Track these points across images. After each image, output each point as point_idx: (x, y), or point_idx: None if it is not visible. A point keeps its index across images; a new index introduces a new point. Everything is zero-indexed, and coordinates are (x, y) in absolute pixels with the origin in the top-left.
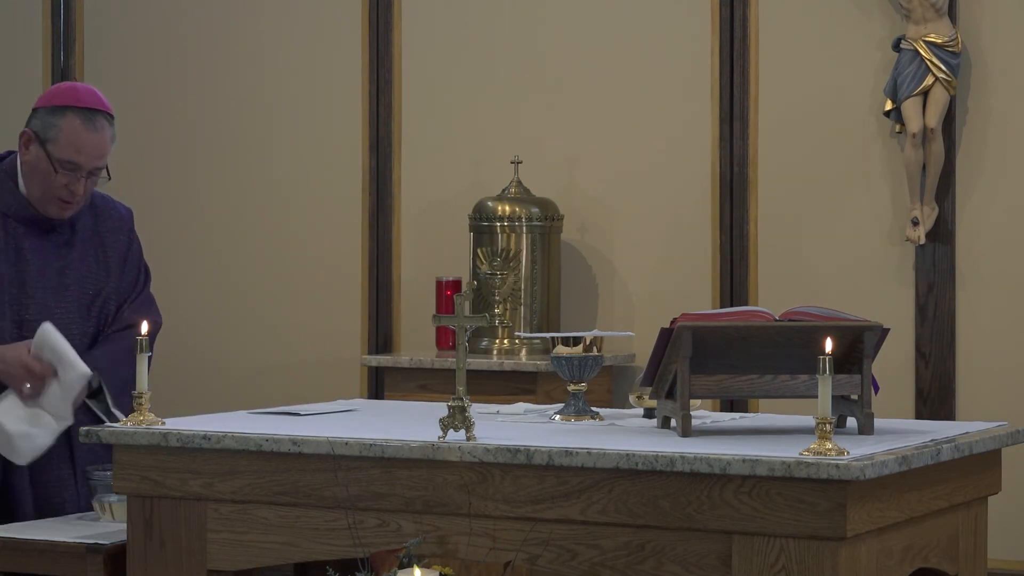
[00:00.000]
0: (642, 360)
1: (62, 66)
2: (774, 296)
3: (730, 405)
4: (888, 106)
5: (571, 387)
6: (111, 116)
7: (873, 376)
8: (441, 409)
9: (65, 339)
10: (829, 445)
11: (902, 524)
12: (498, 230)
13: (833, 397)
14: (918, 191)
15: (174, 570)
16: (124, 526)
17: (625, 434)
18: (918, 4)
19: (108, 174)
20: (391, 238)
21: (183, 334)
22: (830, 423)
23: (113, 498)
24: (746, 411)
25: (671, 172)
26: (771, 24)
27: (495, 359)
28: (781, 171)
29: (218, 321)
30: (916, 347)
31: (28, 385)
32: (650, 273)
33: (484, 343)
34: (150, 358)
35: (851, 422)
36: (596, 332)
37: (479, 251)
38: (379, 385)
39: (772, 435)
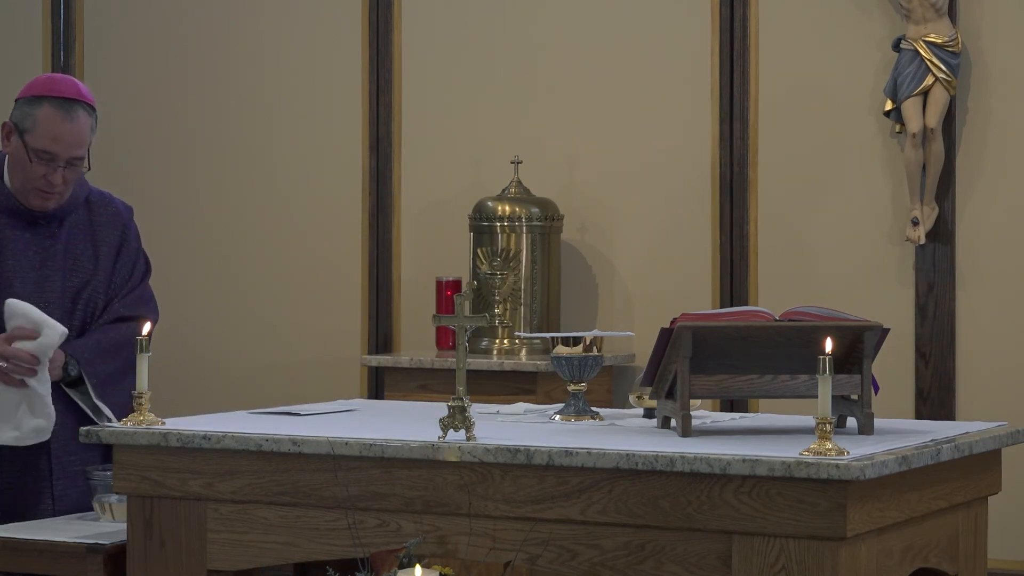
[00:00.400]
0: (642, 360)
1: (62, 66)
2: (774, 296)
3: (730, 405)
4: (888, 106)
5: (571, 387)
6: (91, 106)
7: (873, 376)
8: (441, 409)
9: (28, 305)
10: (829, 445)
11: (902, 524)
12: (498, 230)
13: (833, 397)
14: (918, 191)
15: (174, 570)
16: (124, 526)
17: (625, 434)
18: (918, 4)
19: (88, 164)
20: (391, 238)
21: (183, 334)
22: (830, 423)
23: (113, 498)
24: (746, 411)
25: (671, 172)
26: (771, 24)
27: (495, 359)
28: (781, 171)
29: (218, 321)
30: (916, 347)
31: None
32: (650, 273)
33: (484, 343)
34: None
35: (851, 422)
36: (596, 332)
37: (479, 251)
38: (379, 385)
39: (772, 435)
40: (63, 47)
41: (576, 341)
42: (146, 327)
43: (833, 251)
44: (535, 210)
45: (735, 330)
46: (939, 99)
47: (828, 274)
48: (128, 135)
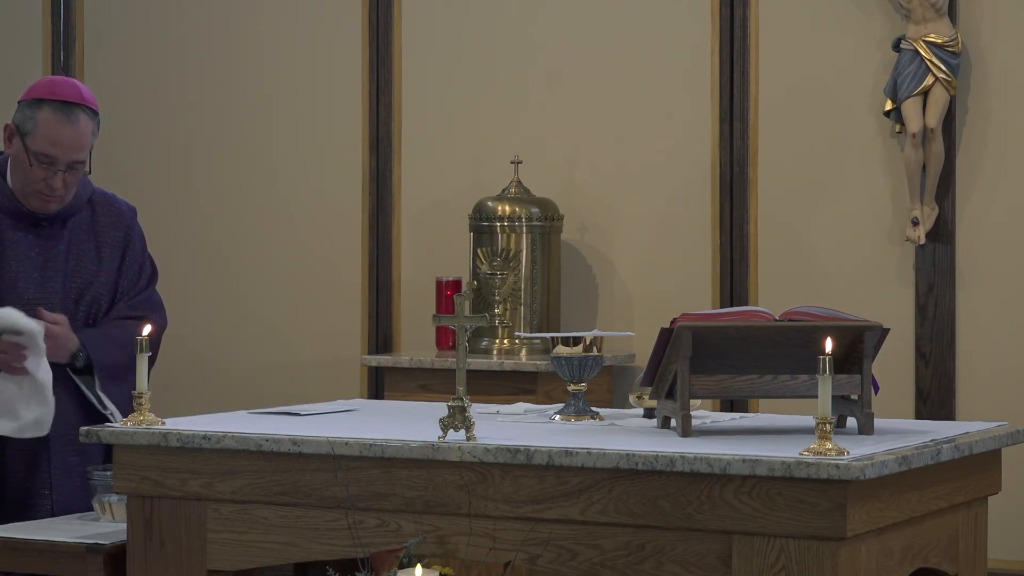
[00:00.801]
0: (642, 360)
1: (62, 66)
2: (774, 296)
3: (730, 405)
4: (888, 106)
5: (571, 387)
6: (92, 110)
7: (873, 376)
8: (441, 409)
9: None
10: (829, 445)
11: (902, 524)
12: (498, 230)
13: (833, 397)
14: (918, 191)
15: (174, 570)
16: (124, 526)
17: (625, 434)
18: (918, 4)
19: (89, 168)
20: (391, 238)
21: (183, 334)
22: (830, 423)
23: (113, 498)
24: (746, 411)
25: (671, 172)
26: (771, 24)
27: (495, 359)
28: (781, 171)
29: (218, 321)
30: (916, 347)
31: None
32: (650, 273)
33: (484, 343)
34: (154, 359)
35: (851, 422)
36: (596, 332)
37: (479, 251)
38: (379, 385)
39: (772, 435)
40: (63, 47)
41: (576, 341)
42: (147, 328)
43: (833, 251)
44: (535, 210)
45: (735, 330)
46: (939, 99)
47: (828, 274)
48: (128, 135)
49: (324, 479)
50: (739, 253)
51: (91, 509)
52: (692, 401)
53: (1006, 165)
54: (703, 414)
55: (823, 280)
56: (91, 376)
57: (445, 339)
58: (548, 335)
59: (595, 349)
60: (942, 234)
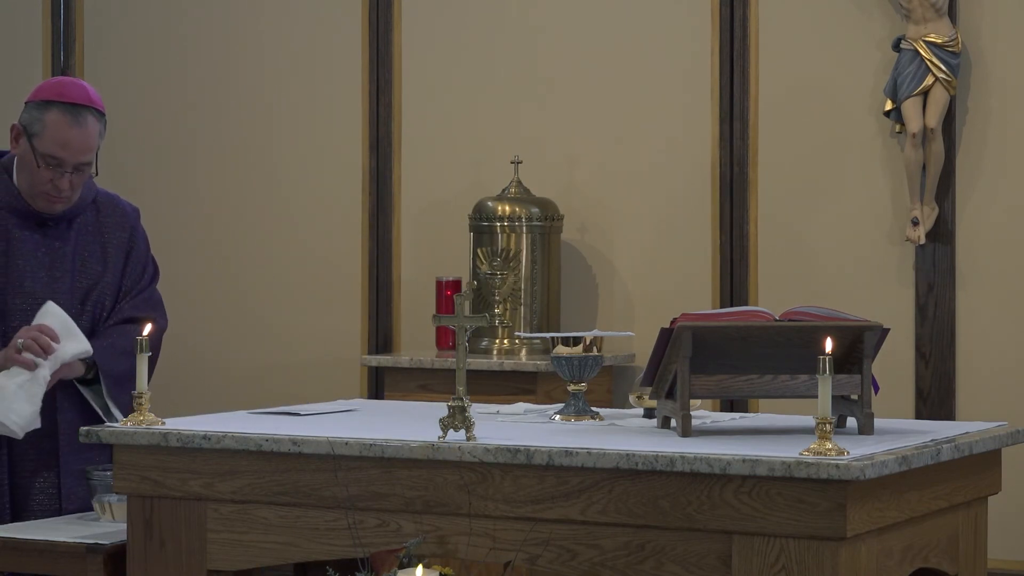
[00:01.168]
0: (642, 360)
1: (62, 66)
2: (774, 296)
3: (730, 405)
4: (888, 106)
5: (571, 387)
6: (99, 112)
7: (873, 376)
8: (441, 409)
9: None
10: (829, 445)
11: (902, 524)
12: (498, 230)
13: (833, 397)
14: (918, 191)
15: (174, 570)
16: (124, 526)
17: (625, 434)
18: (918, 4)
19: (96, 170)
20: (391, 238)
21: (183, 334)
22: (830, 423)
23: (113, 498)
24: (746, 411)
25: (671, 172)
26: (771, 24)
27: (495, 359)
28: (781, 171)
29: (218, 321)
30: (916, 347)
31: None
32: (650, 273)
33: (484, 343)
34: (155, 359)
35: (851, 422)
36: (596, 332)
37: (479, 251)
38: (379, 385)
39: (772, 435)
40: (63, 47)
41: (576, 341)
42: (147, 328)
43: (833, 251)
44: (535, 210)
45: (735, 330)
46: (939, 99)
47: (828, 274)
48: (128, 135)
49: (324, 479)
50: (739, 253)
51: None
52: (692, 401)
53: (1006, 165)
54: (703, 414)
55: (823, 280)
56: (98, 386)
57: (445, 339)
58: (548, 335)
59: (595, 349)
60: (942, 234)
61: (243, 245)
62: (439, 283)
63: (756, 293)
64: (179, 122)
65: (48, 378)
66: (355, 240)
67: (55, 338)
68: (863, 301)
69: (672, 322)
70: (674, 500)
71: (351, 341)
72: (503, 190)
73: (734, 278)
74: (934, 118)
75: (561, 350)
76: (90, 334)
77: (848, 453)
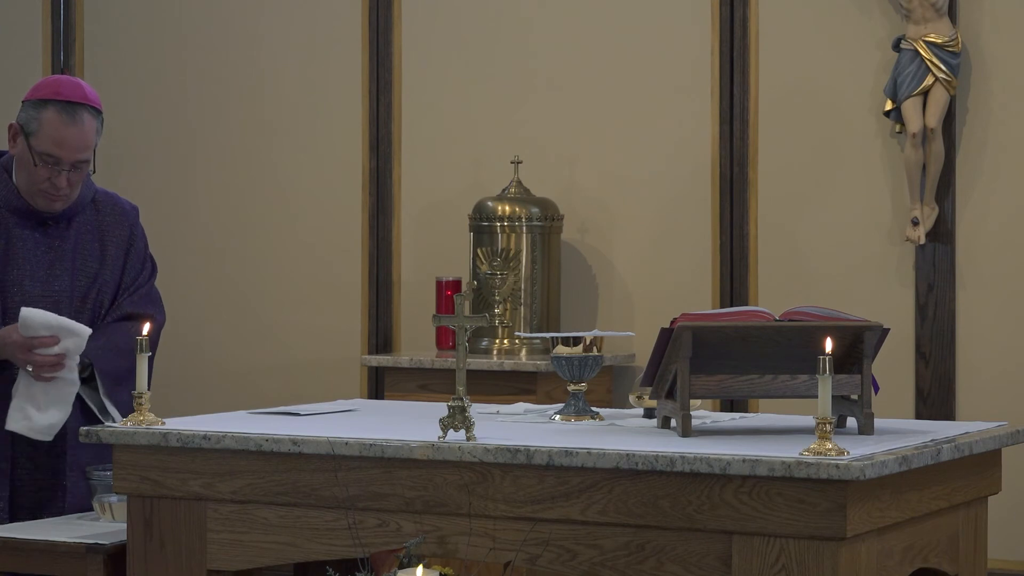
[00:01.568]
0: (642, 360)
1: (62, 66)
2: (774, 296)
3: (730, 405)
4: (888, 106)
5: (571, 387)
6: (96, 109)
7: (873, 376)
8: (441, 409)
9: (40, 311)
10: (829, 445)
11: (902, 524)
12: (498, 230)
13: (833, 397)
14: (918, 191)
15: (174, 570)
16: (124, 526)
17: (625, 434)
18: (918, 4)
19: (94, 167)
20: (391, 238)
21: (183, 334)
22: (830, 423)
23: (113, 498)
24: (746, 411)
25: (671, 172)
26: (771, 24)
27: (495, 359)
28: (781, 171)
29: (218, 321)
30: (916, 347)
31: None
32: (650, 273)
33: (484, 343)
34: (152, 356)
35: (851, 422)
36: (596, 332)
37: (479, 251)
38: (379, 385)
39: (772, 435)
40: (63, 47)
41: (576, 341)
42: (146, 327)
43: (833, 251)
44: (535, 210)
45: (735, 330)
46: (939, 99)
47: (828, 274)
48: (128, 135)
49: (324, 479)
50: (739, 253)
51: None
52: (692, 401)
53: (1006, 165)
54: (703, 414)
55: (823, 280)
56: (94, 383)
57: (445, 339)
58: (548, 335)
59: (595, 349)
60: (942, 234)
61: (243, 245)
62: (439, 283)
63: (756, 293)
64: (179, 122)
65: (77, 380)
66: (355, 240)
67: (53, 341)
68: (863, 301)
69: (672, 322)
70: (674, 500)
71: (351, 341)
72: (503, 190)
73: (734, 278)
74: (934, 118)
75: (561, 350)
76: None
77: (848, 453)
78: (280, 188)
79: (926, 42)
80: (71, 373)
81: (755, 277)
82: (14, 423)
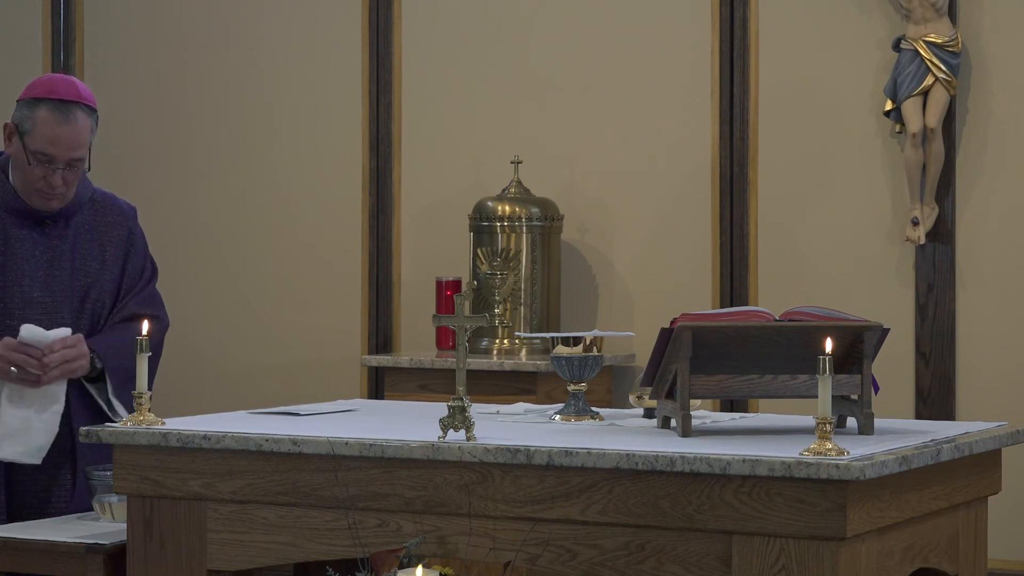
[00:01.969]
0: (642, 360)
1: (62, 66)
2: (774, 296)
3: (730, 405)
4: (888, 106)
5: (571, 387)
6: (90, 107)
7: (873, 376)
8: (441, 409)
9: (40, 328)
10: (829, 445)
11: (902, 524)
12: (498, 230)
13: (833, 397)
14: (918, 191)
15: (174, 570)
16: (124, 526)
17: (625, 434)
18: (918, 4)
19: (88, 165)
20: (391, 238)
21: (183, 334)
22: (830, 423)
23: (113, 498)
24: (746, 411)
25: (671, 172)
26: (771, 24)
27: (495, 359)
28: (781, 171)
29: (218, 321)
30: (916, 347)
31: (15, 369)
32: (650, 273)
33: (484, 343)
34: (157, 357)
35: (851, 422)
36: (596, 332)
37: (479, 251)
38: (379, 385)
39: (772, 435)
40: (63, 47)
41: (576, 341)
42: (145, 327)
43: (833, 251)
44: (535, 210)
45: (735, 330)
46: (939, 99)
47: (828, 274)
48: (128, 135)
49: (324, 479)
50: (739, 253)
51: None
52: (692, 401)
53: (1006, 165)
54: (703, 414)
55: (823, 280)
56: (103, 382)
57: (445, 339)
58: (548, 335)
59: (595, 349)
60: (942, 234)
61: (243, 245)
62: (439, 283)
63: (756, 293)
64: (179, 122)
65: (63, 400)
66: (355, 240)
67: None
68: (863, 301)
69: (672, 322)
70: (674, 500)
71: (351, 341)
72: (503, 190)
73: (734, 278)
74: (934, 118)
75: (561, 350)
76: (91, 333)
77: (848, 453)
78: (280, 188)
79: (926, 42)
80: (57, 389)
81: (755, 277)
82: (3, 451)
